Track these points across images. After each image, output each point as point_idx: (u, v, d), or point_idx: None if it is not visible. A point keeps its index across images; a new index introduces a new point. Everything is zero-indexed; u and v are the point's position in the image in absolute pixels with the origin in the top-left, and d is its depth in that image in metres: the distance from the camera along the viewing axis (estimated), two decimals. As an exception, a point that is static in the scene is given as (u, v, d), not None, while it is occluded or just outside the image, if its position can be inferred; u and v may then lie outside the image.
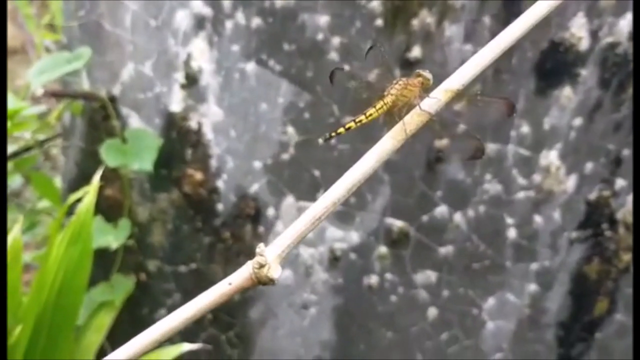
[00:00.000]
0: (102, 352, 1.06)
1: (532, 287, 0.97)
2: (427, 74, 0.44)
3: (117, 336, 1.10)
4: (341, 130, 0.45)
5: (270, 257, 0.31)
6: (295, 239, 0.31)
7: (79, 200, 0.90)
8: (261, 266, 0.31)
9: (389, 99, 0.44)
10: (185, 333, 1.11)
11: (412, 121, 0.38)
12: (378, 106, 0.44)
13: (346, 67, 0.49)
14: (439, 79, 0.87)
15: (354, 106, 0.47)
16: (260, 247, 0.31)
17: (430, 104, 0.40)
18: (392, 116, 0.43)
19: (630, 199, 0.91)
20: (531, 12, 0.36)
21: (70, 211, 0.96)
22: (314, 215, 0.31)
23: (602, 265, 0.94)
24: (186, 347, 0.93)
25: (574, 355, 1.00)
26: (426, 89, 0.43)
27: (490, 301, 0.99)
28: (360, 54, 0.92)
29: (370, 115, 0.44)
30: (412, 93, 0.43)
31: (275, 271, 0.31)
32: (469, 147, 0.42)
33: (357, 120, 0.45)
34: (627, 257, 0.93)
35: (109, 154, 0.97)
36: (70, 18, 1.01)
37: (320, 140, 0.46)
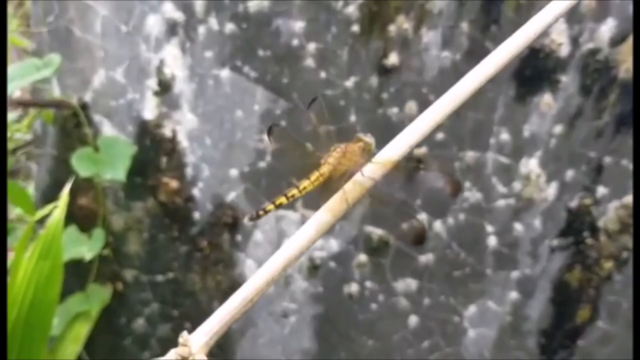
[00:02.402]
0: (79, 363, 1.05)
1: (513, 294, 0.96)
2: (368, 139, 0.41)
3: (95, 346, 1.08)
4: (270, 207, 0.41)
5: (195, 346, 0.28)
6: (224, 324, 0.28)
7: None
8: (184, 359, 0.28)
9: (325, 169, 0.41)
10: (164, 345, 1.09)
11: (353, 189, 0.35)
12: (313, 177, 0.41)
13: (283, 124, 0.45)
14: (416, 87, 0.85)
15: (289, 170, 0.44)
16: (184, 336, 0.28)
17: (373, 170, 0.37)
18: (330, 184, 0.40)
19: (611, 206, 0.90)
20: (472, 77, 0.33)
21: (42, 220, 0.94)
22: (245, 297, 0.28)
23: (583, 273, 0.93)
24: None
25: (556, 362, 0.99)
26: (368, 154, 0.40)
27: (471, 309, 0.98)
28: (337, 60, 0.89)
29: (305, 188, 0.41)
30: (352, 161, 0.40)
31: (200, 365, 0.28)
32: (409, 229, 0.39)
33: (288, 195, 0.41)
34: (608, 264, 0.92)
35: (80, 164, 0.95)
36: (39, 23, 0.97)
37: (246, 220, 0.43)
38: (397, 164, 0.35)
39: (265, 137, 0.94)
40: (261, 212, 0.41)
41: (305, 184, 0.41)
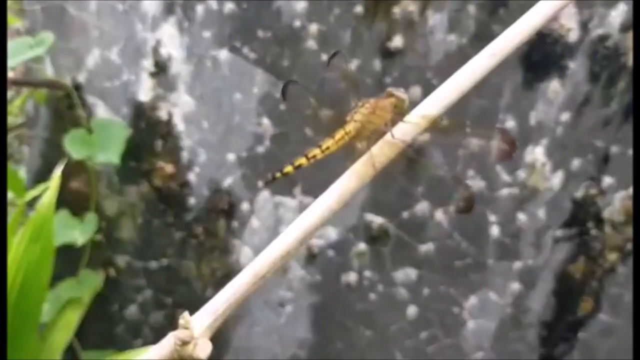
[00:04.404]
0: (70, 351, 1.02)
1: (515, 286, 0.94)
2: (401, 94, 0.37)
3: (86, 333, 1.05)
4: (289, 168, 0.38)
5: (197, 329, 0.25)
6: (232, 304, 0.25)
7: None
8: (185, 343, 0.25)
9: (352, 127, 0.37)
10: (157, 333, 1.07)
11: (382, 152, 0.32)
12: (338, 137, 0.37)
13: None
14: (421, 72, 0.82)
15: (312, 129, 0.41)
16: (185, 318, 0.25)
17: (404, 131, 0.33)
18: (355, 145, 0.37)
19: (617, 197, 0.88)
20: (523, 23, 0.30)
21: (32, 203, 0.91)
22: (257, 272, 0.25)
23: (587, 265, 0.91)
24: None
25: (556, 355, 0.97)
26: (400, 112, 0.36)
27: (472, 300, 0.96)
28: (339, 42, 0.87)
29: (328, 148, 0.38)
30: (382, 118, 0.36)
31: (202, 349, 0.24)
32: (455, 196, 0.35)
33: (309, 155, 0.38)
34: (612, 256, 0.90)
35: (73, 146, 0.92)
36: (32, 1, 0.94)
37: (261, 183, 0.40)
38: (437, 121, 0.32)
39: (265, 119, 0.92)
40: (278, 175, 0.37)
41: (328, 143, 0.37)
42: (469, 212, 0.33)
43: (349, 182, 0.29)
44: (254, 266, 0.26)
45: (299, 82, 0.40)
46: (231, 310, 0.25)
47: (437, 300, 0.97)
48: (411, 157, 0.33)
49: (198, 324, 0.25)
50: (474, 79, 0.31)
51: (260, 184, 0.41)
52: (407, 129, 0.33)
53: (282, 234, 0.27)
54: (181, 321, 0.25)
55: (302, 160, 0.37)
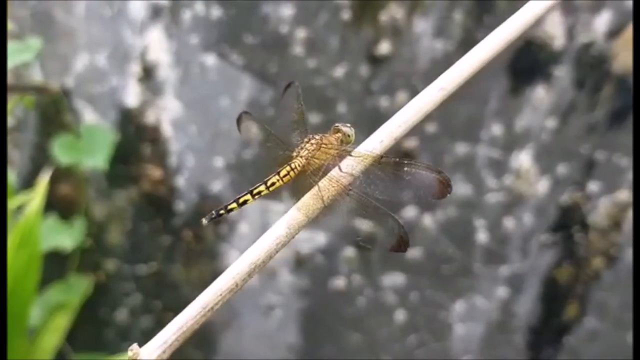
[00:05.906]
0: (60, 354, 1.03)
1: (502, 290, 0.95)
2: (347, 129, 0.38)
3: (76, 337, 1.06)
4: (233, 205, 0.38)
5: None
6: (180, 336, 0.25)
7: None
8: None
9: (297, 163, 0.37)
10: (146, 336, 1.07)
11: (330, 186, 0.32)
12: (283, 173, 0.38)
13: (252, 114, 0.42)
14: (406, 79, 0.82)
15: (263, 163, 0.41)
16: (134, 350, 0.26)
17: (352, 165, 0.34)
18: (304, 178, 0.37)
19: (602, 202, 0.88)
20: (465, 63, 0.31)
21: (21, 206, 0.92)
22: (204, 305, 0.26)
23: (572, 270, 0.92)
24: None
25: (542, 359, 0.98)
26: (347, 147, 0.37)
27: (459, 304, 0.97)
28: (326, 48, 0.87)
29: (273, 184, 0.38)
30: (327, 154, 0.37)
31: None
32: (391, 236, 0.35)
33: (254, 192, 0.38)
34: (597, 261, 0.91)
35: (61, 151, 0.92)
36: (21, 6, 0.94)
37: (205, 221, 0.40)
38: (379, 158, 0.32)
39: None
40: (222, 212, 0.38)
41: (273, 179, 0.38)
42: (403, 252, 0.33)
43: (297, 215, 0.30)
44: (201, 299, 0.26)
45: (251, 114, 0.41)
46: (181, 342, 0.26)
47: (425, 305, 0.97)
48: (353, 196, 0.34)
49: (147, 355, 0.25)
50: (421, 113, 0.31)
51: (203, 221, 0.41)
52: (354, 163, 0.33)
53: (230, 267, 0.28)
54: (130, 353, 0.25)
55: (247, 197, 0.38)
